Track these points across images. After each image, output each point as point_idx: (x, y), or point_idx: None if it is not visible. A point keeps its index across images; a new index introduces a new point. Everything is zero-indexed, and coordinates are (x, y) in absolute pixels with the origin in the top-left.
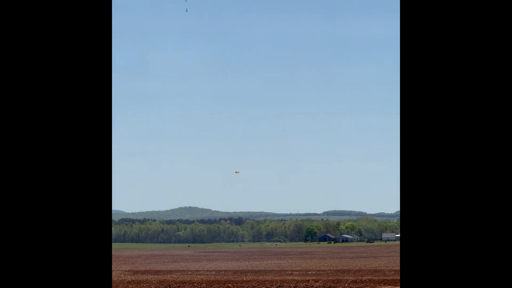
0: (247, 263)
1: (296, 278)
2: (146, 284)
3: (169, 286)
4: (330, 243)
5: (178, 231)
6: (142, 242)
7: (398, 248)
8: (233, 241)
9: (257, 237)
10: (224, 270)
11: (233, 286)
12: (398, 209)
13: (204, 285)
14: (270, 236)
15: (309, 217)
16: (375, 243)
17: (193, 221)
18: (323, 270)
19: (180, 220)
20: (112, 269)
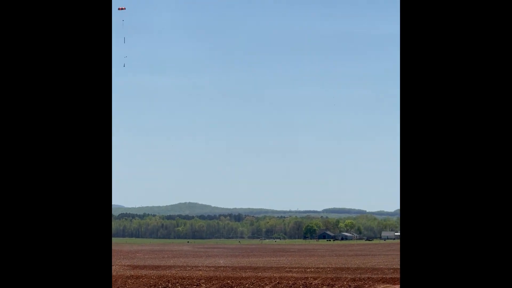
0: (246, 259)
1: (295, 275)
2: (146, 279)
3: (168, 281)
4: (329, 240)
5: (178, 227)
6: (142, 237)
7: (398, 246)
8: (232, 238)
9: (256, 234)
10: (223, 266)
11: (232, 282)
12: (398, 207)
13: (203, 281)
14: (269, 233)
15: (308, 215)
16: (374, 241)
17: (192, 217)
18: (322, 268)
19: (179, 216)
20: (112, 264)
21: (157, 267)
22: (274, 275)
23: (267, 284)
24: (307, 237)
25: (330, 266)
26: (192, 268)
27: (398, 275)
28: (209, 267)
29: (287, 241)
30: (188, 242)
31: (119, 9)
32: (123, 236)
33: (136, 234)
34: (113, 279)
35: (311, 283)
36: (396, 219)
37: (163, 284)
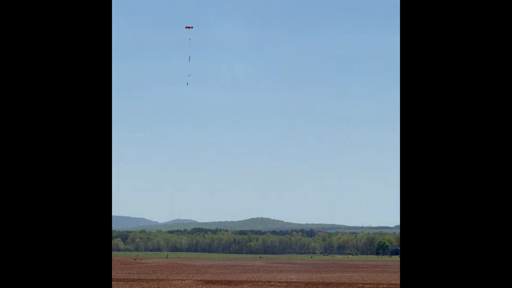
0: (318, 275)
1: None
2: None
3: None
4: None
5: (250, 242)
6: (214, 252)
7: None
8: (304, 253)
9: (328, 249)
10: (296, 282)
11: None
12: None
13: None
14: (341, 249)
15: (381, 230)
16: None
17: (265, 232)
18: (394, 284)
19: (252, 231)
20: (184, 279)
21: (229, 282)
22: None
23: None
24: (380, 253)
25: None
26: (264, 283)
27: None
28: (281, 282)
29: (360, 257)
30: (260, 257)
31: (186, 27)
32: (196, 251)
33: (209, 249)
34: None
35: None
36: None
37: None
